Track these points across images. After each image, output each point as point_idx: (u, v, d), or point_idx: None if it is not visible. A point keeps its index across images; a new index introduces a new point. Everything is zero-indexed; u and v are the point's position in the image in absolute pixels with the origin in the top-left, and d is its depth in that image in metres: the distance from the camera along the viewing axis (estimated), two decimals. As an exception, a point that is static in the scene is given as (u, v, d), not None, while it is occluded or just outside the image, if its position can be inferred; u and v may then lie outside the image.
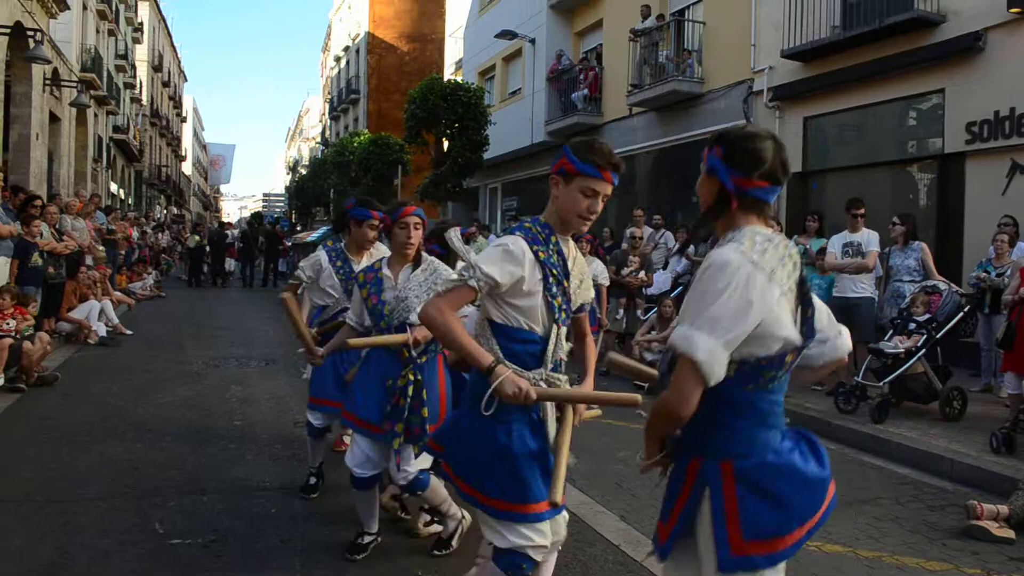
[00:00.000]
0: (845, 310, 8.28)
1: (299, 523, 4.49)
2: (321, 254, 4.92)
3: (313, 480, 4.97)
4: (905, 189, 11.90)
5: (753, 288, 1.93)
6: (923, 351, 7.37)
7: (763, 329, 1.97)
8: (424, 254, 4.02)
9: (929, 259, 8.42)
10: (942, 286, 7.80)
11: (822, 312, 2.22)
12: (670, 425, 2.07)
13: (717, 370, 1.93)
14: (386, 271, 3.97)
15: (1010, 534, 4.66)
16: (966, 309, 7.64)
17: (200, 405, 7.41)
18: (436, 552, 4.07)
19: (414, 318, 3.76)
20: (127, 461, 5.58)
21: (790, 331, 2.02)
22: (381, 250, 4.79)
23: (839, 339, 2.28)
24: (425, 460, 3.87)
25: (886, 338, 7.68)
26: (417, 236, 3.91)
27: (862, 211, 8.41)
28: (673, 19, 16.35)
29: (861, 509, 5.24)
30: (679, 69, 15.57)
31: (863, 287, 8.27)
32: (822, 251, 9.12)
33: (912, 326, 7.60)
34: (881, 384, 7.34)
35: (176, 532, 4.27)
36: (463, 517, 4.11)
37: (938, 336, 7.48)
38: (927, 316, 7.59)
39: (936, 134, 10.99)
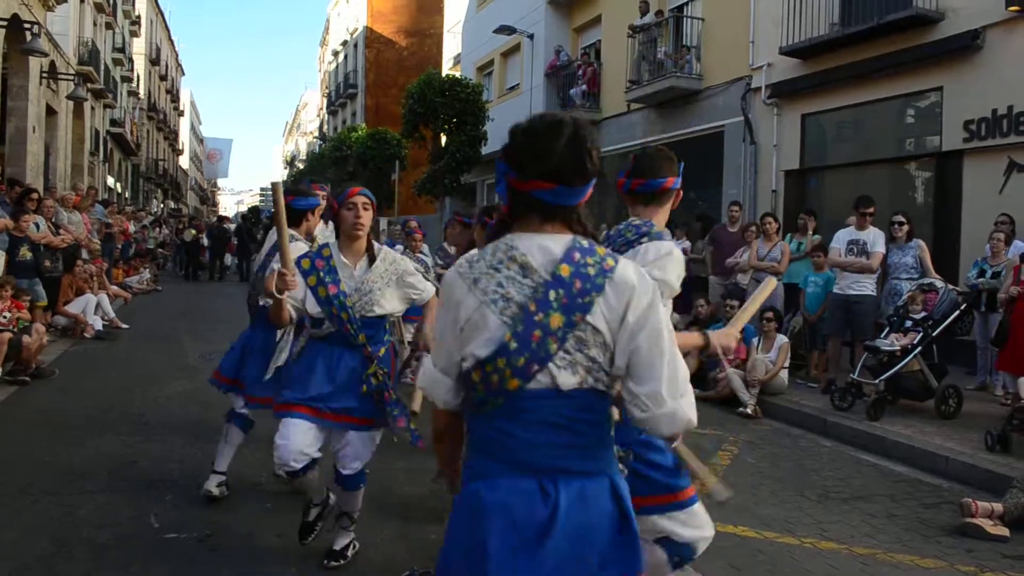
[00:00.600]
0: (845, 308, 8.31)
1: (294, 517, 4.50)
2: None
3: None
4: (903, 187, 11.91)
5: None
6: (919, 349, 7.39)
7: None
8: (375, 242, 3.81)
9: (927, 257, 8.43)
10: (939, 284, 7.82)
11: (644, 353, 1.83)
12: None
13: None
14: (342, 258, 3.70)
15: (1004, 532, 4.67)
16: (962, 307, 7.65)
17: (197, 399, 7.40)
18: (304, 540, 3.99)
19: (378, 311, 3.70)
20: (124, 455, 5.58)
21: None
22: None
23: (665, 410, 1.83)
24: (364, 459, 3.77)
25: (882, 335, 7.70)
26: (367, 217, 3.68)
27: (872, 210, 8.38)
28: (672, 15, 16.34)
29: (856, 506, 5.25)
30: (677, 65, 15.56)
31: (865, 285, 8.26)
32: (818, 247, 9.13)
33: (908, 324, 7.62)
34: (877, 381, 7.36)
35: (172, 526, 4.27)
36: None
37: (934, 334, 7.49)
38: (923, 314, 7.61)
39: (934, 132, 11.00)
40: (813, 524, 4.86)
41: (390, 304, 3.77)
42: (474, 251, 2.01)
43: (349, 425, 3.68)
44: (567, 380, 1.80)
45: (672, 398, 1.82)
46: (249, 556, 3.99)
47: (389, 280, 3.73)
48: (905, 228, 8.47)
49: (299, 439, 3.54)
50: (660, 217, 3.04)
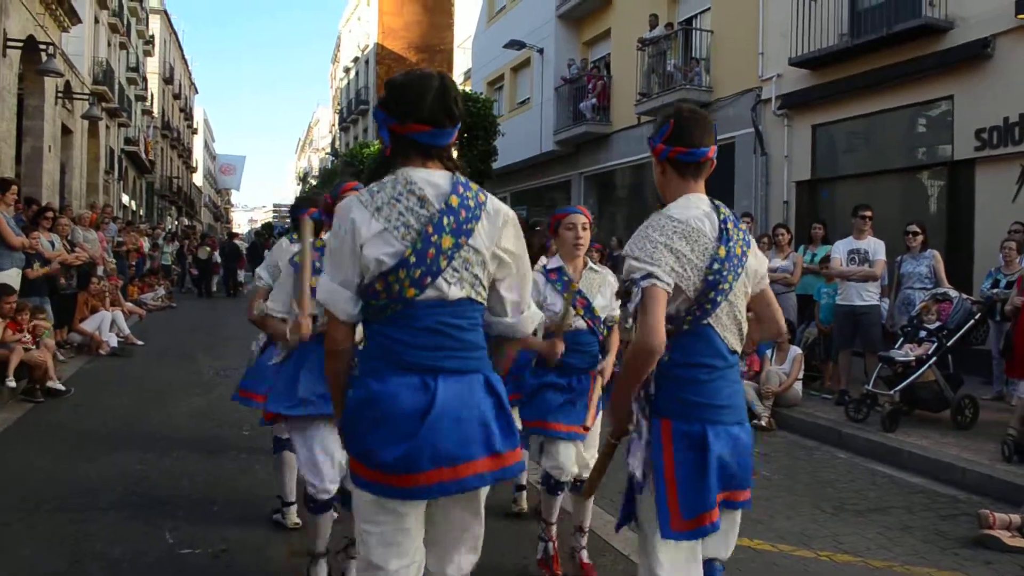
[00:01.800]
0: (852, 318, 8.27)
1: (303, 531, 4.50)
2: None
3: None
4: (915, 196, 11.86)
5: None
6: (934, 359, 7.34)
7: None
8: None
9: (940, 267, 8.38)
10: (952, 294, 7.77)
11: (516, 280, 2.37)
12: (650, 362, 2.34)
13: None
14: None
15: (1023, 543, 4.62)
16: (977, 316, 7.60)
17: (211, 415, 7.43)
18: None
19: None
20: (138, 471, 5.61)
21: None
22: None
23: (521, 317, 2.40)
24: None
25: (896, 346, 7.65)
26: None
27: (869, 214, 8.39)
28: (681, 28, 16.39)
29: (872, 518, 5.21)
30: (687, 78, 15.59)
31: (870, 295, 8.23)
32: (827, 259, 9.09)
33: (923, 334, 7.57)
34: (892, 392, 7.31)
35: (186, 542, 4.28)
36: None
37: (949, 344, 7.44)
38: (938, 324, 7.56)
39: (945, 141, 10.97)
40: (829, 537, 4.83)
41: None
42: (373, 184, 2.26)
43: None
44: (454, 292, 2.20)
45: (529, 306, 2.41)
46: (264, 571, 3.99)
47: None
48: (920, 238, 8.42)
49: (341, 452, 3.11)
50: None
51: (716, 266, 2.42)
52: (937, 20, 10.68)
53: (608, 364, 3.80)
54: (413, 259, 2.15)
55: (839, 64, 12.22)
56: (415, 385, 2.17)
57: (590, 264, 3.98)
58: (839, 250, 8.49)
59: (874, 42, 11.40)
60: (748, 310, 2.62)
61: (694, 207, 2.51)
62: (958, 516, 5.29)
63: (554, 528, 4.05)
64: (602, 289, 3.91)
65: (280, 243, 4.59)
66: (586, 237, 3.89)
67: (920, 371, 7.29)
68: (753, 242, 2.63)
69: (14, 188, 9.08)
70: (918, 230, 8.46)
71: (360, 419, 2.20)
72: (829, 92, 12.49)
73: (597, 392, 3.74)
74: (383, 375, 2.19)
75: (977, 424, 7.28)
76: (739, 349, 2.58)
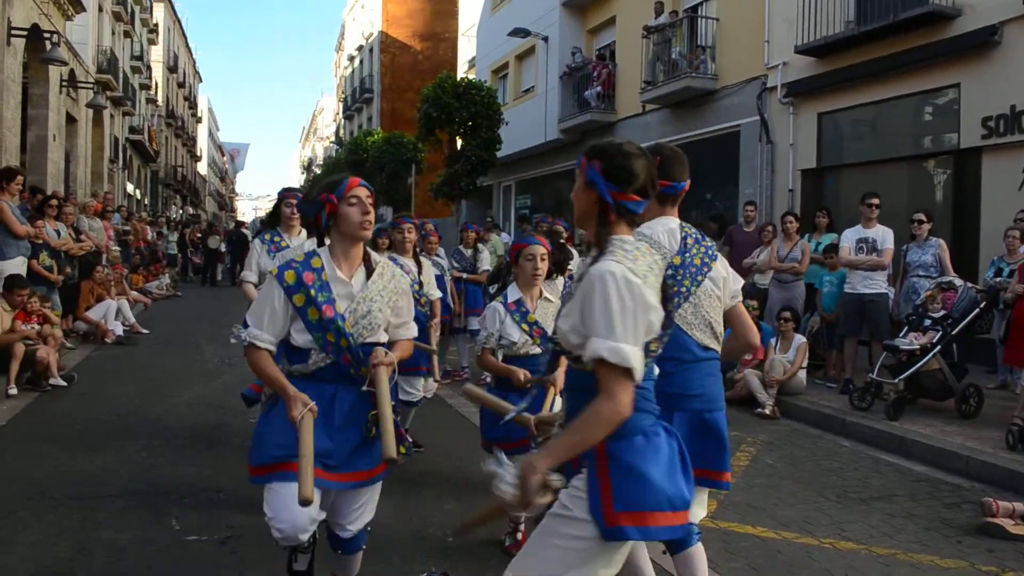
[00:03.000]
0: (859, 307, 8.26)
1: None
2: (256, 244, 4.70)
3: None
4: (921, 184, 11.82)
5: (645, 294, 2.14)
6: (939, 348, 7.33)
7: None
8: (371, 251, 3.12)
9: (946, 255, 8.36)
10: (957, 282, 7.75)
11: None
12: (612, 429, 2.13)
13: (640, 372, 2.12)
14: (336, 272, 2.97)
15: (1026, 531, 4.63)
16: (982, 305, 7.59)
17: (216, 403, 7.46)
18: None
19: (381, 336, 3.06)
20: (143, 459, 5.63)
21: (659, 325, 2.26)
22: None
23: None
24: (369, 514, 3.18)
25: (901, 334, 7.64)
26: (372, 216, 2.98)
27: (877, 202, 8.36)
28: (686, 15, 16.31)
29: (876, 506, 5.22)
30: (692, 65, 15.53)
31: (877, 284, 8.22)
32: (832, 247, 9.08)
33: (928, 322, 7.56)
34: (896, 381, 7.31)
35: (192, 529, 4.30)
36: None
37: (954, 332, 7.43)
38: (943, 312, 7.55)
39: (952, 129, 10.91)
40: (832, 524, 4.83)
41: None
42: (609, 248, 2.25)
43: (359, 483, 3.01)
44: None
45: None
46: (269, 557, 4.00)
47: (391, 297, 3.07)
48: (926, 226, 8.39)
49: (303, 508, 2.70)
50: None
51: (670, 271, 2.85)
52: (944, 7, 10.61)
53: (560, 374, 2.98)
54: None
55: (845, 52, 12.15)
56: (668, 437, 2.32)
57: (544, 294, 4.21)
58: (847, 239, 8.46)
59: (880, 29, 11.33)
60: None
61: (661, 225, 3.04)
62: (962, 504, 5.29)
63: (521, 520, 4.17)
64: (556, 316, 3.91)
65: (254, 245, 4.64)
66: (544, 268, 4.09)
67: (925, 360, 7.28)
68: (722, 258, 3.18)
69: (19, 178, 9.09)
70: (924, 218, 8.43)
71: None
72: (835, 80, 12.43)
73: (550, 398, 3.54)
74: (641, 425, 2.25)
75: (981, 413, 7.28)
76: (713, 346, 3.06)
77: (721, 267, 3.12)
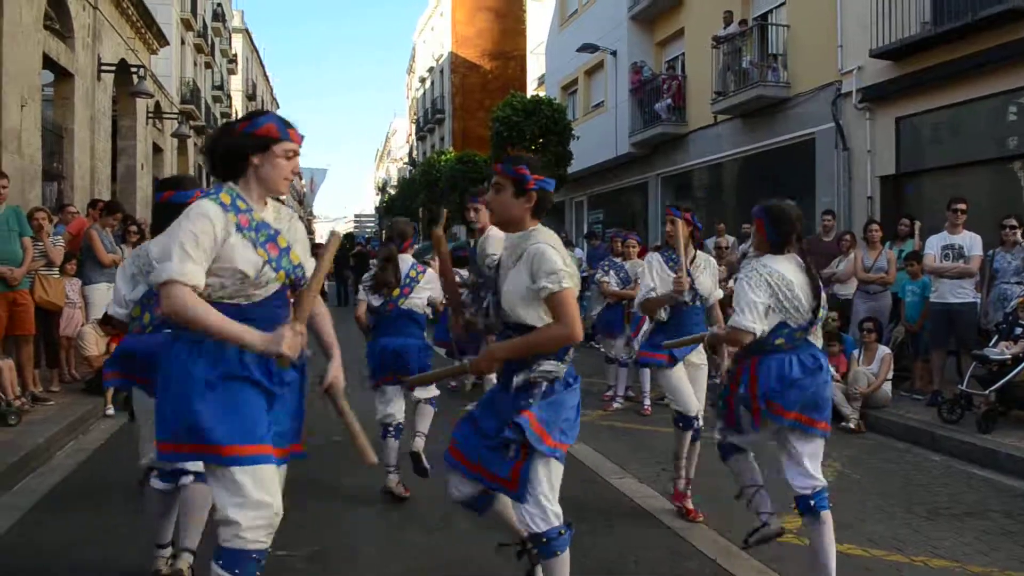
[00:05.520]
0: (946, 316, 8.02)
1: (395, 532, 4.63)
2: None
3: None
4: (1006, 188, 11.40)
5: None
6: (1032, 357, 7.07)
7: None
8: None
9: (1036, 261, 8.06)
10: (1050, 288, 7.47)
11: None
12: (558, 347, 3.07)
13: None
14: (265, 214, 2.85)
15: None
16: (1078, 312, 7.29)
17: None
18: None
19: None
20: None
21: None
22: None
23: None
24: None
25: (991, 344, 7.40)
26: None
27: (963, 207, 8.12)
28: (756, 24, 16.11)
29: (969, 523, 5.06)
30: (763, 74, 15.33)
31: (965, 292, 7.97)
32: (913, 255, 8.83)
33: (1019, 331, 7.30)
34: (987, 392, 7.07)
35: (282, 543, 4.42)
36: None
37: (1048, 341, 7.16)
38: (1035, 320, 7.28)
39: (1038, 129, 10.52)
40: (923, 542, 4.71)
41: None
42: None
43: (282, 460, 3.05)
44: None
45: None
46: (355, 571, 4.11)
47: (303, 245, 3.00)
48: (1018, 232, 8.11)
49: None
50: None
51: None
52: (1025, 4, 10.27)
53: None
54: None
55: (922, 54, 11.84)
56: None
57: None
58: (932, 245, 8.23)
59: (959, 29, 11.01)
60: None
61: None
62: (1061, 520, 5.09)
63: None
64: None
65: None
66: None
67: (1016, 370, 7.03)
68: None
69: (119, 215, 9.53)
70: (1016, 223, 8.14)
71: None
72: (912, 83, 12.11)
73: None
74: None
75: (1081, 424, 6.99)
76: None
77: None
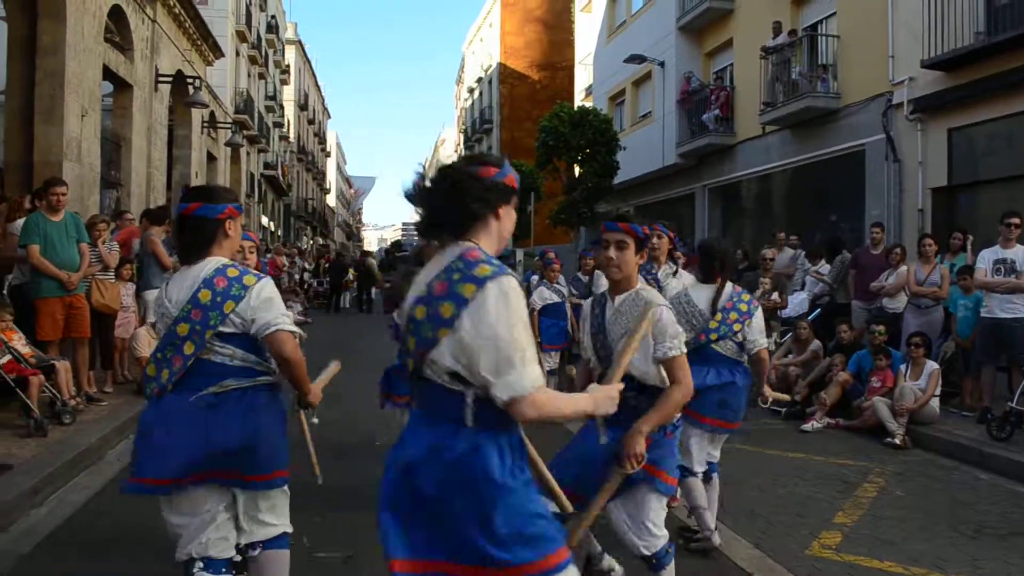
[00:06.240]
0: (997, 332, 7.86)
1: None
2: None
3: None
4: (1064, 201, 11.13)
5: None
6: (1086, 374, 6.90)
7: None
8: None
9: (1089, 275, 7.86)
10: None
11: None
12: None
13: None
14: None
15: None
16: None
17: (343, 425, 7.76)
18: None
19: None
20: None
21: None
22: None
23: None
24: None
25: (1043, 361, 7.23)
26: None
27: (1017, 221, 7.96)
28: (806, 34, 15.95)
29: (1016, 542, 4.96)
30: (813, 85, 15.17)
31: (1016, 307, 7.80)
32: (966, 269, 8.67)
33: (1073, 348, 7.13)
34: (1039, 410, 6.91)
35: (321, 545, 4.52)
36: None
37: (1103, 358, 6.98)
38: (1090, 337, 7.10)
39: (1097, 141, 10.26)
40: (967, 561, 4.62)
41: None
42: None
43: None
44: None
45: None
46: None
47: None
48: (1074, 246, 7.93)
49: None
50: None
51: None
52: (1086, 13, 10.04)
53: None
54: None
55: (975, 64, 11.63)
56: None
57: None
58: (984, 260, 8.08)
59: (1013, 39, 10.79)
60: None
61: None
62: (1113, 542, 4.96)
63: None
64: None
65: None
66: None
67: (1070, 387, 6.86)
68: None
69: (166, 223, 9.77)
70: (1069, 237, 7.96)
71: None
72: (965, 94, 11.90)
73: None
74: None
75: None
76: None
77: None
